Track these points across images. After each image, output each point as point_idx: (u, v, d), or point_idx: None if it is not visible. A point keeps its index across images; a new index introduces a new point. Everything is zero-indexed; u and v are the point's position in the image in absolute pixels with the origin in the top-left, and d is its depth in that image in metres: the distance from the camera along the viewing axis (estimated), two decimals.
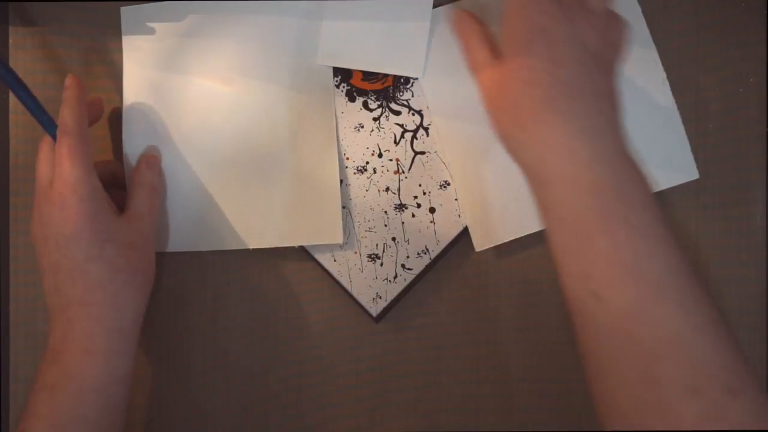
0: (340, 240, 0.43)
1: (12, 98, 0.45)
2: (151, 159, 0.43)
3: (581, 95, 0.33)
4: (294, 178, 0.44)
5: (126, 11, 0.44)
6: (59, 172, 0.37)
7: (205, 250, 0.44)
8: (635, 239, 0.30)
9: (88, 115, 0.42)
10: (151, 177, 0.42)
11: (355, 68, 0.44)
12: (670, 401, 0.28)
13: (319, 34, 0.44)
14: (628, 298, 0.30)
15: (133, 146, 0.44)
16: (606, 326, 0.31)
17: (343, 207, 0.44)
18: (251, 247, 0.44)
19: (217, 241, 0.44)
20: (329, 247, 0.44)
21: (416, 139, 0.44)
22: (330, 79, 0.44)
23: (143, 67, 0.44)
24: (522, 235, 0.44)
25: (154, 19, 0.44)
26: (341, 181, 0.44)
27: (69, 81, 0.40)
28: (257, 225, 0.44)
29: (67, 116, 0.38)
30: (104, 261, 0.37)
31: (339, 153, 0.44)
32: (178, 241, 0.44)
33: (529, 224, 0.43)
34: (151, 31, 0.44)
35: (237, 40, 0.44)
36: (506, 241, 0.44)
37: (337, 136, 0.44)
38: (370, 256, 0.44)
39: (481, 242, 0.44)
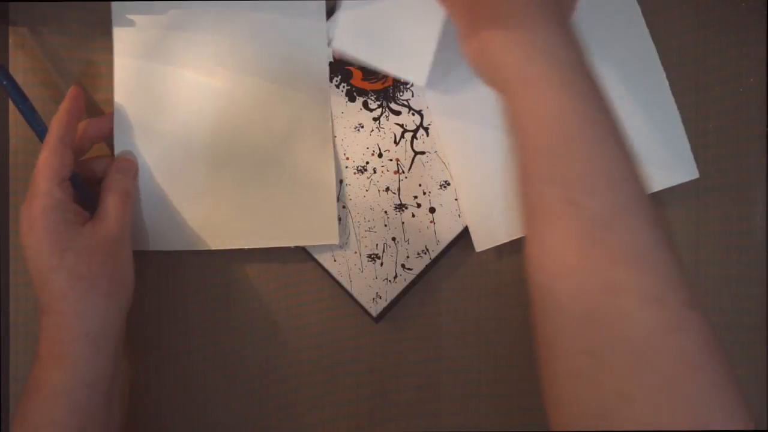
0: (336, 240, 0.43)
1: None
2: (124, 163, 0.42)
3: (547, 16, 0.33)
4: (290, 178, 0.44)
5: (116, 6, 0.43)
6: (31, 185, 0.38)
7: (201, 249, 0.44)
8: (615, 151, 0.31)
9: (99, 130, 0.42)
10: (122, 181, 0.41)
11: (364, 62, 0.43)
12: (630, 309, 0.29)
13: (335, 21, 0.43)
14: (603, 205, 0.30)
15: (123, 143, 0.43)
16: (576, 231, 0.31)
17: (343, 207, 0.44)
18: (247, 247, 0.44)
19: (212, 240, 0.43)
20: (329, 247, 0.44)
21: (416, 139, 0.44)
22: (326, 79, 0.44)
23: (135, 63, 0.43)
24: (522, 235, 0.43)
25: (146, 15, 0.43)
26: (341, 181, 0.44)
27: (69, 92, 0.41)
28: (253, 225, 0.43)
29: (51, 128, 0.39)
30: (64, 270, 0.38)
31: (336, 153, 0.44)
32: (172, 241, 0.44)
33: None
34: (143, 28, 0.43)
35: (232, 38, 0.43)
36: (506, 241, 0.44)
37: (333, 136, 0.44)
38: (370, 256, 0.44)
39: (481, 242, 0.44)
